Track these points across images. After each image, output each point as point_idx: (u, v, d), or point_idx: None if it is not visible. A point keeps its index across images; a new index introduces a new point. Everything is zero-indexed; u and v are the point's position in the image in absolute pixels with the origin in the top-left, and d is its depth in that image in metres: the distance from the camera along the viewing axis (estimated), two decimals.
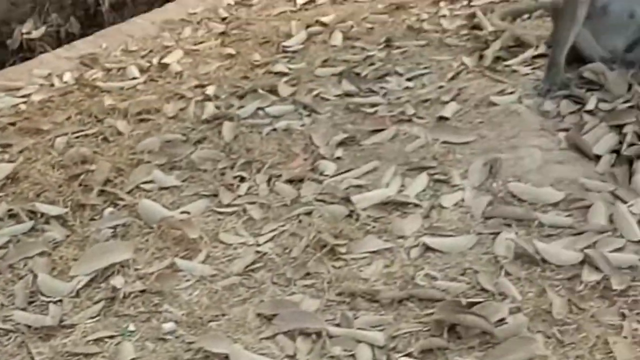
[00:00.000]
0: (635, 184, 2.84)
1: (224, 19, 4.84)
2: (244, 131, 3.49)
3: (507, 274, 2.51)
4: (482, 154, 3.08)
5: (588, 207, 2.76)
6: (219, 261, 2.71)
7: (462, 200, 2.88)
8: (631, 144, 3.00)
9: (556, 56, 3.44)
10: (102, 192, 3.17)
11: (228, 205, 3.00)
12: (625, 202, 2.74)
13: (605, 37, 3.49)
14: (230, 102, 3.75)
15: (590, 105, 3.25)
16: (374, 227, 2.80)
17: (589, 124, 3.16)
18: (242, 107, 3.69)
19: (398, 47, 4.16)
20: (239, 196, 3.05)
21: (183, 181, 3.19)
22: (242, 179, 3.15)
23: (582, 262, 2.52)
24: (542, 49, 3.75)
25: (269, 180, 3.12)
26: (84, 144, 3.53)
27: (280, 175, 3.13)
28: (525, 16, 4.31)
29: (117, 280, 2.64)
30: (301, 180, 3.08)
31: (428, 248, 2.66)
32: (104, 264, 2.71)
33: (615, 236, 2.63)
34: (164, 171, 3.26)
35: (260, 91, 3.79)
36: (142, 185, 3.18)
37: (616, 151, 3.02)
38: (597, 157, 3.01)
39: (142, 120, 3.69)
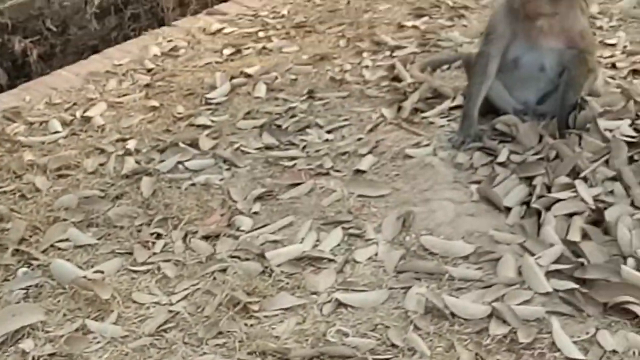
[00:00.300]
0: (543, 236, 2.89)
1: (149, 70, 4.84)
2: (163, 186, 3.49)
3: (417, 328, 2.55)
4: (396, 208, 3.13)
5: (497, 259, 2.81)
6: (131, 322, 2.70)
7: (376, 254, 2.92)
8: (540, 196, 3.07)
9: (469, 109, 3.52)
10: (16, 252, 3.13)
11: (143, 264, 2.99)
12: (533, 254, 2.79)
13: (518, 90, 3.57)
14: (151, 156, 3.75)
15: (502, 157, 3.32)
16: (287, 283, 2.81)
17: (500, 175, 3.22)
18: (162, 161, 3.70)
19: (320, 99, 4.20)
20: (154, 254, 3.04)
21: (99, 239, 3.17)
22: (159, 236, 3.15)
23: (490, 316, 2.56)
24: (458, 101, 3.81)
25: (185, 237, 3.12)
26: (1, 202, 3.49)
27: (196, 232, 3.13)
28: (445, 67, 4.39)
29: (27, 344, 2.61)
30: (217, 237, 3.08)
31: (340, 304, 2.69)
32: (14, 326, 2.67)
33: (523, 288, 2.68)
34: (80, 229, 3.24)
35: (182, 145, 3.79)
36: (57, 244, 3.15)
37: (526, 203, 3.08)
38: (508, 209, 3.07)
39: (61, 176, 3.66)
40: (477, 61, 3.53)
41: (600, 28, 4.83)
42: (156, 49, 5.14)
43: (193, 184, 3.47)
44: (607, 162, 3.18)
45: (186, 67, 4.87)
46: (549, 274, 2.72)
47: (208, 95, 4.35)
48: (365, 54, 4.77)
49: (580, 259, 2.76)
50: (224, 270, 2.89)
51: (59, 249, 3.12)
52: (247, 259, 2.93)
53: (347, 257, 2.90)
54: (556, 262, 2.77)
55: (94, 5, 6.05)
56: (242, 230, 3.11)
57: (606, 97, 3.67)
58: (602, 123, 3.33)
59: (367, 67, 4.58)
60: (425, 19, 5.23)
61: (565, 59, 3.44)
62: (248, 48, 5.06)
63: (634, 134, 3.28)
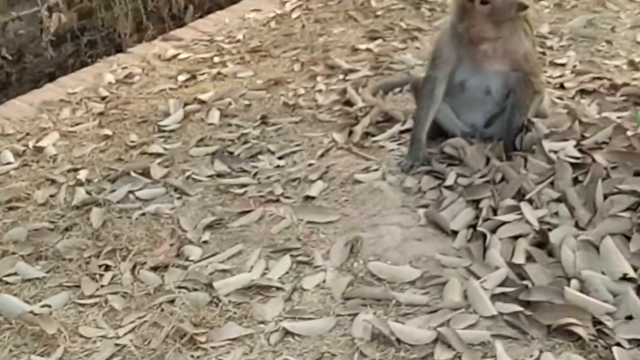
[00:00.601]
0: (489, 259, 2.92)
1: (103, 98, 4.83)
2: (113, 217, 3.48)
3: (363, 355, 2.56)
4: (344, 234, 3.14)
5: (444, 283, 2.83)
6: (77, 356, 2.69)
7: (324, 281, 2.93)
8: (486, 219, 3.10)
9: (417, 133, 3.55)
10: None
11: (90, 297, 2.97)
12: (478, 278, 2.82)
13: (465, 113, 3.61)
14: (102, 186, 3.74)
15: (449, 181, 3.35)
16: (235, 313, 2.81)
17: (447, 199, 3.25)
18: (113, 191, 3.68)
19: (273, 124, 4.22)
20: (102, 286, 3.03)
21: (47, 272, 3.15)
22: (107, 268, 3.13)
23: (435, 341, 2.58)
24: (409, 124, 3.84)
25: (133, 268, 3.11)
26: None
27: (145, 263, 3.12)
28: (397, 90, 4.41)
29: None
30: (166, 267, 3.08)
31: (288, 332, 2.69)
32: None
33: (468, 312, 2.70)
34: (29, 262, 3.22)
35: (133, 174, 3.78)
36: (5, 278, 3.13)
37: (473, 226, 3.11)
38: (455, 233, 3.09)
39: (11, 209, 3.63)
40: (424, 85, 3.56)
41: (551, 48, 4.90)
42: (111, 76, 5.14)
43: (143, 214, 3.46)
44: (552, 183, 3.22)
45: (140, 94, 4.86)
46: (494, 297, 2.75)
47: (161, 123, 4.34)
48: (319, 78, 4.80)
49: (525, 282, 2.79)
50: (171, 302, 2.89)
51: (7, 283, 3.10)
52: (195, 290, 2.93)
53: (295, 285, 2.91)
54: (501, 285, 2.80)
55: (50, 33, 6.02)
56: (191, 260, 3.10)
57: (553, 118, 3.72)
58: (548, 144, 3.37)
59: (320, 91, 4.60)
60: (379, 41, 5.28)
61: (511, 81, 3.48)
62: (203, 74, 5.07)
63: (578, 155, 3.31)
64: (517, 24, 3.44)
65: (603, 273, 2.78)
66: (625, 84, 4.19)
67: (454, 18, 3.48)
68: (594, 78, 4.29)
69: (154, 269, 3.08)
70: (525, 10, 3.42)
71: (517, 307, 2.68)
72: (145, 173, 3.79)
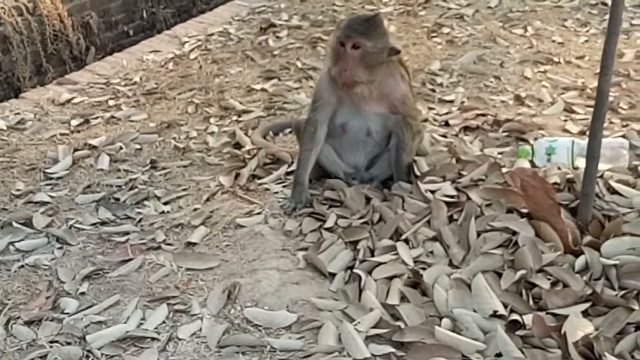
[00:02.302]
0: (364, 301, 2.94)
1: None
2: None
3: None
4: (223, 280, 3.13)
5: (319, 327, 2.83)
6: None
7: (200, 329, 2.90)
8: (363, 260, 3.13)
9: (299, 175, 3.57)
10: None
11: None
12: (353, 320, 2.83)
13: (347, 154, 3.66)
14: None
15: (329, 222, 3.37)
16: None
17: (327, 241, 3.27)
18: None
19: (163, 168, 4.20)
20: None
21: None
22: None
23: None
24: (295, 165, 3.85)
25: (7, 323, 3.04)
26: None
27: (19, 317, 3.05)
28: (288, 130, 4.43)
29: None
30: (40, 321, 3.02)
31: None
32: None
33: (342, 356, 2.71)
34: None
35: (15, 224, 3.71)
36: None
37: (351, 267, 3.13)
38: (332, 275, 3.11)
39: None
40: (305, 128, 3.60)
41: (441, 85, 5.01)
42: (2, 122, 5.05)
43: (22, 266, 3.40)
44: (428, 222, 3.26)
45: (31, 140, 4.79)
46: (369, 339, 2.77)
47: (49, 170, 4.29)
48: (212, 120, 4.80)
49: (399, 322, 2.81)
50: (43, 357, 2.83)
51: None
52: (68, 343, 2.87)
53: (171, 335, 2.88)
54: (375, 326, 2.82)
55: None
56: (67, 313, 3.05)
57: (433, 155, 3.78)
58: (424, 185, 3.41)
59: (212, 133, 4.61)
60: (274, 81, 5.32)
61: (390, 124, 3.55)
62: (97, 118, 5.03)
63: (454, 193, 3.37)
64: (392, 67, 3.50)
65: (475, 311, 2.82)
66: (508, 120, 4.29)
67: (329, 62, 3.52)
68: (479, 115, 4.37)
69: (28, 323, 3.02)
70: (398, 54, 3.48)
71: (390, 349, 2.70)
72: (28, 223, 3.73)
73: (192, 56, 5.97)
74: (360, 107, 3.53)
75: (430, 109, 4.58)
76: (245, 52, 5.88)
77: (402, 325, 2.79)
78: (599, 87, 3.01)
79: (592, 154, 3.08)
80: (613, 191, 3.34)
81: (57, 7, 7.01)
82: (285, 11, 6.79)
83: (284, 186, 3.77)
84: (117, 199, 3.91)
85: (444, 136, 4.16)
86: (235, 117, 4.80)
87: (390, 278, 3.02)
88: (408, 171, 3.60)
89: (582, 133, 4.14)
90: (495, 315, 2.77)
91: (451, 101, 4.72)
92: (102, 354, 2.82)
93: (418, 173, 3.55)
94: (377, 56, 3.40)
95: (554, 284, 2.90)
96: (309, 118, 3.62)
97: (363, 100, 3.50)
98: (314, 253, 3.20)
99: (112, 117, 5.00)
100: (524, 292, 2.87)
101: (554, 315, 2.76)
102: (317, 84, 3.69)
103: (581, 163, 3.46)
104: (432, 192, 3.40)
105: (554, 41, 5.63)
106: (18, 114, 5.19)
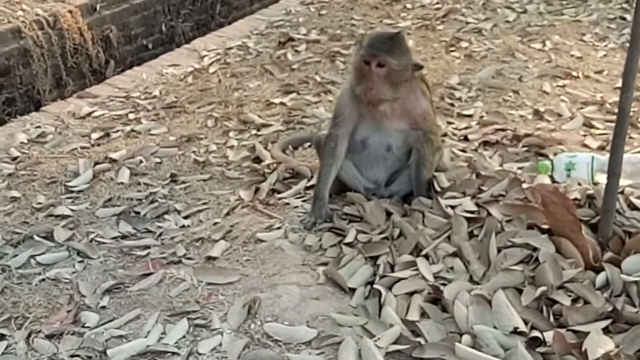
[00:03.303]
0: (384, 316, 2.94)
1: (14, 158, 4.78)
2: (13, 283, 3.43)
3: None
4: (243, 294, 3.14)
5: (339, 343, 2.83)
6: None
7: (220, 344, 2.90)
8: (383, 276, 3.13)
9: (319, 190, 3.58)
10: None
11: None
12: (373, 336, 2.83)
13: (367, 169, 3.67)
14: (4, 251, 3.68)
15: (349, 238, 3.37)
16: None
17: (347, 256, 3.28)
18: (15, 256, 3.63)
19: (182, 182, 4.23)
20: None
21: None
22: (2, 337, 3.07)
23: None
24: (315, 180, 3.86)
25: (28, 337, 3.05)
26: None
27: (40, 331, 3.07)
28: (307, 144, 4.45)
29: None
30: (62, 335, 3.03)
31: None
32: None
33: None
34: None
35: (36, 238, 3.74)
36: None
37: (371, 283, 3.13)
38: (352, 290, 3.11)
39: None
40: (326, 143, 3.60)
41: (460, 99, 5.01)
42: (23, 135, 5.10)
43: (43, 279, 3.42)
44: (448, 238, 3.26)
45: (52, 153, 4.83)
46: (388, 355, 2.76)
47: (70, 183, 4.32)
48: (231, 134, 4.83)
49: (419, 338, 2.81)
50: None
51: None
52: (88, 358, 2.89)
53: (191, 350, 2.89)
54: (395, 342, 2.81)
55: None
56: (88, 327, 3.07)
57: (453, 171, 3.78)
58: (444, 200, 3.41)
59: (232, 147, 4.63)
60: (293, 95, 5.34)
61: (411, 139, 3.55)
62: (117, 131, 5.07)
63: (474, 208, 3.37)
64: (414, 84, 3.51)
65: (495, 327, 2.81)
66: (527, 135, 4.29)
67: (352, 80, 3.54)
68: (498, 129, 4.37)
69: (49, 337, 3.03)
70: (421, 70, 3.49)
71: None
72: (49, 236, 3.75)
73: (211, 70, 6.01)
74: (381, 123, 3.54)
75: (449, 123, 4.58)
76: (264, 66, 5.91)
77: (423, 342, 2.78)
78: (620, 104, 3.00)
79: (614, 171, 3.07)
80: (634, 207, 3.32)
81: (77, 20, 7.08)
82: (304, 25, 6.82)
83: (303, 200, 3.77)
84: (138, 213, 3.93)
85: (464, 151, 4.16)
86: (254, 131, 4.82)
87: (411, 294, 3.02)
88: (428, 187, 3.60)
89: (601, 148, 4.13)
90: (515, 332, 2.76)
91: (470, 116, 4.72)
92: None
93: (438, 188, 3.55)
94: (401, 73, 3.41)
95: (574, 301, 2.88)
96: (329, 133, 3.63)
97: (385, 117, 3.51)
98: (334, 268, 3.21)
99: (132, 130, 5.04)
100: (544, 308, 2.86)
101: (575, 332, 2.74)
102: (338, 100, 3.70)
103: (601, 178, 3.46)
104: (453, 207, 3.39)
105: (572, 55, 5.63)
106: (39, 127, 5.24)
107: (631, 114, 4.15)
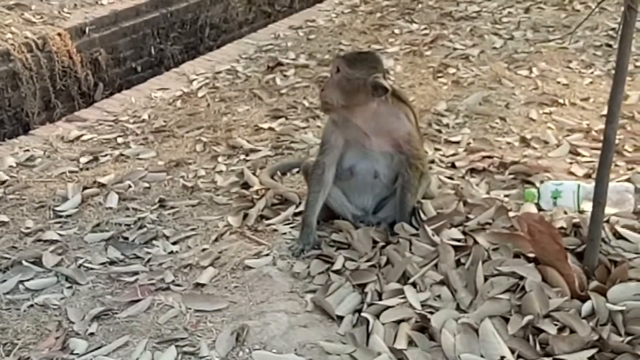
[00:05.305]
0: (372, 345, 2.95)
1: (3, 182, 4.77)
2: (1, 308, 3.42)
3: None
4: (232, 322, 3.14)
5: None
6: None
7: None
8: (371, 304, 3.14)
9: (307, 217, 3.60)
10: None
11: None
12: None
13: (355, 197, 3.69)
14: None
15: (337, 265, 3.39)
16: None
17: (335, 284, 3.29)
18: (4, 281, 3.62)
19: (171, 208, 4.23)
20: None
21: None
22: None
23: None
24: (303, 206, 3.88)
25: None
26: None
27: (29, 358, 3.07)
28: (295, 170, 4.47)
29: None
30: None
31: None
32: None
33: None
34: None
35: (25, 263, 3.74)
36: None
37: (359, 310, 3.15)
38: (340, 318, 3.12)
39: None
40: (313, 170, 3.63)
41: (447, 125, 5.04)
42: (12, 159, 5.10)
43: (32, 305, 3.42)
44: (436, 266, 3.29)
45: (41, 177, 4.83)
46: None
47: (58, 208, 4.32)
48: (220, 159, 4.84)
49: None
50: None
51: None
52: None
53: None
54: None
55: None
56: (76, 354, 3.07)
57: (440, 198, 3.81)
58: (431, 228, 3.44)
59: (220, 172, 4.64)
60: (282, 120, 5.36)
61: (396, 163, 3.57)
62: (105, 155, 5.08)
63: (461, 237, 3.40)
64: (397, 106, 3.54)
65: (482, 356, 2.84)
66: (514, 162, 4.32)
67: None
68: (485, 157, 4.40)
69: None
70: (386, 92, 3.46)
71: None
72: (38, 261, 3.75)
73: (200, 94, 6.03)
74: (366, 147, 3.56)
75: (437, 149, 4.62)
76: (252, 91, 5.94)
77: None
78: (605, 134, 3.04)
79: (599, 200, 3.10)
80: (619, 236, 3.36)
81: (66, 43, 7.10)
82: (292, 50, 6.87)
83: (292, 227, 3.79)
84: (126, 238, 3.93)
85: (451, 178, 4.19)
86: (243, 156, 4.84)
87: (398, 322, 3.03)
88: (413, 212, 3.62)
89: (587, 176, 4.17)
90: None
91: (457, 142, 4.75)
92: None
93: (424, 217, 3.57)
94: (355, 84, 3.42)
95: (560, 330, 2.91)
96: (317, 160, 3.65)
97: (367, 138, 3.53)
98: (322, 295, 3.22)
99: (121, 154, 5.05)
100: (530, 337, 2.88)
101: None
102: (325, 127, 3.74)
103: (587, 206, 3.50)
104: (439, 235, 3.41)
105: (558, 82, 5.68)
106: (27, 150, 5.24)
107: (617, 141, 4.23)
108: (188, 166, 4.78)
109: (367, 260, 3.39)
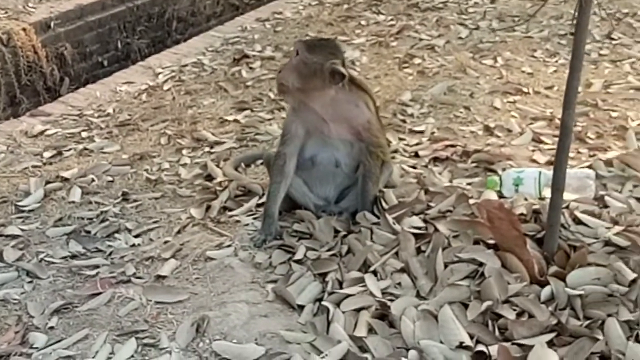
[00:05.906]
0: (332, 333, 2.95)
1: None
2: None
3: None
4: (192, 313, 3.13)
5: None
6: None
7: None
8: (331, 292, 3.15)
9: (269, 207, 3.59)
10: None
11: None
12: (321, 352, 2.85)
13: (317, 186, 3.70)
14: None
15: (299, 255, 3.39)
16: None
17: (296, 273, 3.29)
18: None
19: (134, 201, 4.21)
20: None
21: None
22: None
23: None
24: (265, 198, 3.87)
25: None
26: None
27: None
28: (259, 162, 4.46)
29: None
30: (9, 356, 3.01)
31: None
32: None
33: None
34: None
35: None
36: None
37: (319, 299, 3.15)
38: (301, 307, 3.12)
39: None
40: (275, 161, 3.63)
41: (411, 115, 5.04)
42: None
43: None
44: (396, 254, 3.29)
45: (4, 172, 4.78)
46: None
47: (20, 203, 4.28)
48: (184, 151, 4.83)
49: (366, 354, 2.83)
50: None
51: None
52: None
53: None
54: (343, 358, 2.83)
55: None
56: (36, 348, 3.04)
57: (402, 187, 3.82)
58: (392, 216, 3.45)
59: (184, 165, 4.63)
60: (247, 112, 5.36)
61: (356, 152, 3.58)
62: (69, 150, 5.04)
63: (421, 224, 3.41)
64: (356, 94, 3.54)
65: (441, 342, 2.85)
66: (477, 150, 4.33)
67: None
68: (448, 145, 4.42)
69: None
70: (343, 79, 3.47)
71: None
72: None
73: (165, 87, 6.01)
74: (325, 135, 3.56)
75: (401, 139, 4.62)
76: (218, 83, 5.92)
77: (370, 358, 2.81)
78: (562, 121, 3.06)
79: (557, 186, 3.12)
80: (578, 222, 3.38)
81: (31, 38, 7.04)
82: (259, 42, 6.86)
83: (254, 218, 3.79)
84: (88, 232, 3.91)
85: (414, 167, 4.20)
86: (207, 149, 4.82)
87: (358, 310, 3.04)
88: (375, 201, 3.63)
89: (549, 163, 4.18)
90: (461, 346, 2.79)
91: (421, 132, 4.76)
92: None
93: (386, 205, 3.58)
94: (312, 68, 3.44)
95: (519, 315, 2.93)
96: (278, 151, 3.65)
97: (326, 125, 3.53)
98: (282, 285, 3.22)
99: (85, 149, 5.02)
100: (490, 322, 2.90)
101: (520, 345, 2.78)
102: (286, 118, 3.73)
103: (548, 193, 3.50)
104: (400, 223, 3.42)
105: (523, 71, 5.70)
106: None
107: (579, 128, 4.26)
108: (152, 159, 4.76)
109: (329, 250, 3.39)
